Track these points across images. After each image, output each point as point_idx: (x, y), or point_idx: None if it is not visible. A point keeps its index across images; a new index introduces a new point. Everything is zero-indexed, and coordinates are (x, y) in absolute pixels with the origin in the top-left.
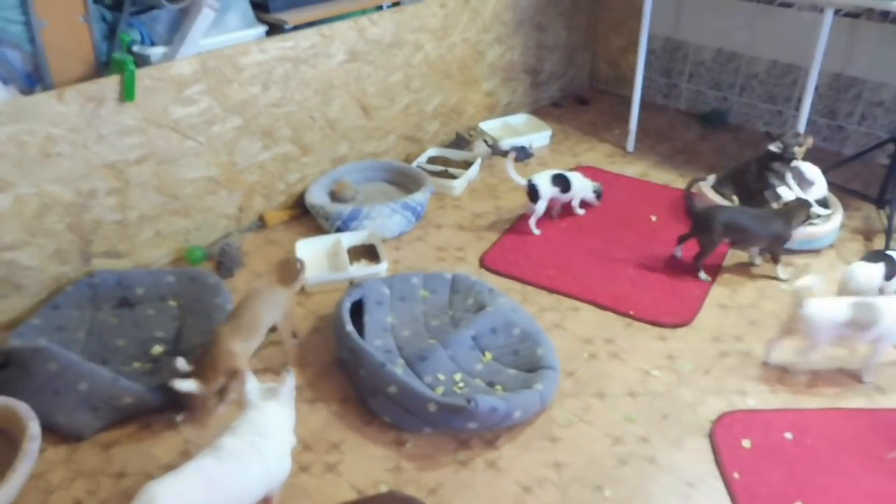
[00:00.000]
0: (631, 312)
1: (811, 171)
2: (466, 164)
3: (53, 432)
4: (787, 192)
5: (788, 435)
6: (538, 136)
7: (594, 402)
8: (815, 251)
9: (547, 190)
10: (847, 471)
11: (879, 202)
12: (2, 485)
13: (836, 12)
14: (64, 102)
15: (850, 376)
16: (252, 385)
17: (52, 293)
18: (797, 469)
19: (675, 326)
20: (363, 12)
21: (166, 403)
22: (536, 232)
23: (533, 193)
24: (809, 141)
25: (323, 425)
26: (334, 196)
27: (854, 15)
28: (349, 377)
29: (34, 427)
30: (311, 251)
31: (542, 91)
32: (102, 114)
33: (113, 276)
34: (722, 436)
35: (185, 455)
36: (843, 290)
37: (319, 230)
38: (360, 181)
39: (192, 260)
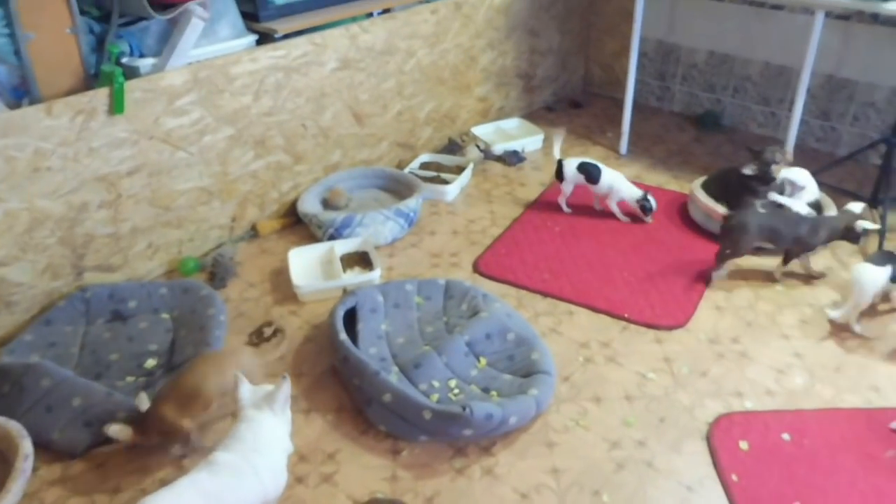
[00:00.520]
0: (626, 315)
1: (801, 175)
2: (459, 170)
3: (47, 450)
4: (781, 199)
5: (786, 436)
6: (531, 141)
7: (591, 406)
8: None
9: (571, 173)
10: (845, 471)
11: (873, 202)
12: None
13: (827, 14)
14: (53, 116)
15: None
16: (245, 390)
17: (44, 308)
18: (795, 470)
19: (670, 329)
20: (354, 20)
21: None
22: (566, 210)
23: (559, 173)
24: (788, 157)
25: (318, 435)
26: (327, 204)
27: (845, 17)
28: (344, 386)
29: (27, 445)
30: (305, 259)
31: (536, 95)
32: (92, 126)
33: (105, 289)
34: (719, 438)
35: (181, 470)
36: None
37: (313, 238)
38: (352, 188)
39: (185, 271)
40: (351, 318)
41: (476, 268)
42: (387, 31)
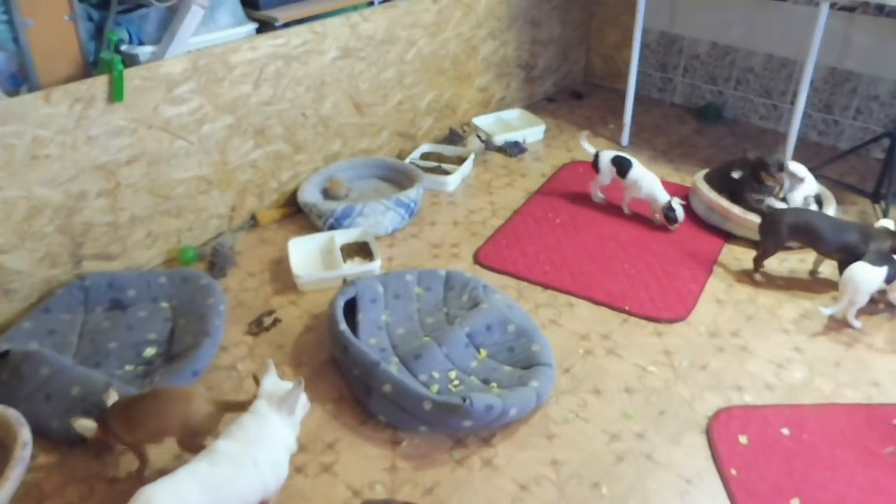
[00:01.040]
0: (627, 308)
1: (799, 167)
2: (460, 160)
3: (45, 438)
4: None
5: (785, 431)
6: (532, 131)
7: (590, 398)
8: None
9: (606, 165)
10: (844, 466)
11: (875, 196)
12: None
13: (832, 6)
14: (51, 103)
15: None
16: (268, 382)
17: (43, 297)
18: (794, 465)
19: (671, 322)
20: (355, 8)
21: None
22: (598, 197)
23: (595, 163)
24: (787, 171)
25: (318, 425)
26: (327, 194)
27: (850, 9)
28: (343, 376)
29: (25, 433)
30: (305, 249)
31: (537, 86)
32: (91, 114)
33: (104, 278)
34: (719, 432)
35: (180, 459)
36: (843, 290)
37: (312, 228)
38: (353, 178)
39: (185, 260)
40: (351, 309)
41: (476, 259)
42: (388, 20)
